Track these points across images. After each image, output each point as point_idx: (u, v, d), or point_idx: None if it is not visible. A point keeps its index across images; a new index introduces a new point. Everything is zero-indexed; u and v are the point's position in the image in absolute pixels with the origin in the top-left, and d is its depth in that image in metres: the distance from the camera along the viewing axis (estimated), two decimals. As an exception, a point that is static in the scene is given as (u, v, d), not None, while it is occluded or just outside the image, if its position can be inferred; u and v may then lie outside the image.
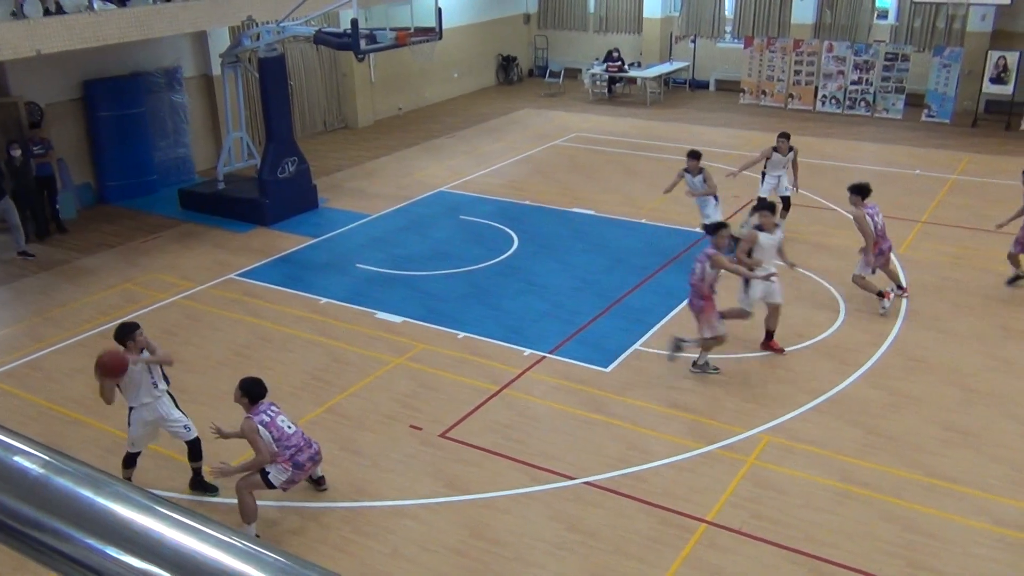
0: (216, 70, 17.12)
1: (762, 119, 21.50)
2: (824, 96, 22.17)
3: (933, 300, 11.42)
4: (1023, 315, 10.95)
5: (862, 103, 21.78)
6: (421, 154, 19.04)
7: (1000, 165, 17.32)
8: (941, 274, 12.22)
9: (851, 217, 11.17)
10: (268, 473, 7.15)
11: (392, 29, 14.85)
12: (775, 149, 13.72)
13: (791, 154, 13.75)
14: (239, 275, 12.74)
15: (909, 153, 18.41)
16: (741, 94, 23.29)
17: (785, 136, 13.89)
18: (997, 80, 20.10)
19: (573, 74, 26.07)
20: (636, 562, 6.97)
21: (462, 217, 14.93)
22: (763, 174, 13.99)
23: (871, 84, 21.59)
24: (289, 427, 7.27)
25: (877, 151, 18.89)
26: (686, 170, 12.98)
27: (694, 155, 12.86)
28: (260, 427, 7.12)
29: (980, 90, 20.44)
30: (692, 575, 6.82)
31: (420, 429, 8.79)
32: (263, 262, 13.25)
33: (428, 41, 15.16)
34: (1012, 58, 19.82)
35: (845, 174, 17.03)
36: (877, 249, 10.78)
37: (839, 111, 21.97)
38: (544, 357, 10.17)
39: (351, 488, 7.97)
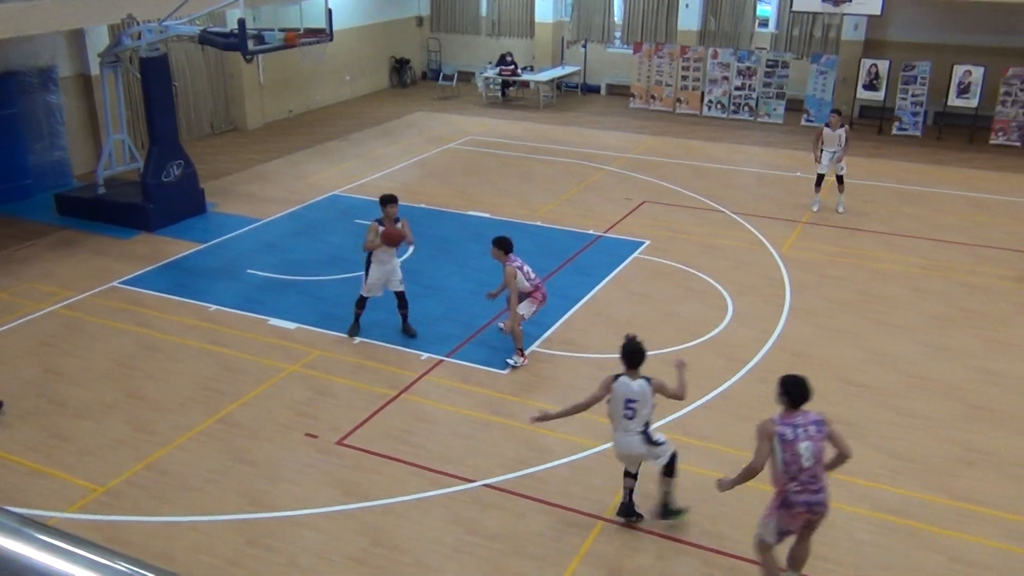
0: (95, 70, 16.44)
1: (652, 123, 22.02)
2: (710, 101, 22.86)
3: (814, 297, 11.91)
4: (898, 311, 11.53)
5: (745, 108, 22.55)
6: (313, 157, 18.73)
7: (874, 167, 18.21)
8: (821, 272, 12.75)
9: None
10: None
11: (281, 30, 14.54)
12: (827, 125, 14.84)
13: (841, 130, 14.69)
14: (122, 283, 12.25)
15: (790, 156, 19.16)
16: (631, 98, 23.79)
17: (836, 112, 15.07)
18: (870, 87, 21.13)
19: (467, 77, 26.13)
20: (536, 562, 7.02)
21: (357, 221, 14.75)
22: (820, 152, 15.00)
23: (754, 90, 22.38)
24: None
25: (760, 154, 19.59)
26: (827, 124, 14.69)
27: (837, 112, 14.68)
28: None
29: (854, 96, 21.45)
30: (591, 572, 6.92)
31: (316, 437, 8.64)
32: (148, 269, 12.78)
33: (318, 43, 14.92)
34: (883, 66, 20.87)
35: (731, 177, 17.65)
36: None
37: (724, 116, 22.68)
38: (442, 360, 10.14)
39: (245, 499, 7.77)
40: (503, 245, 9.96)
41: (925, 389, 9.63)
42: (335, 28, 15.38)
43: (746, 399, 9.39)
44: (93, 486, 7.92)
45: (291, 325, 10.99)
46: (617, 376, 7.12)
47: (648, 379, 7.10)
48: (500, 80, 24.41)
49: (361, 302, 10.62)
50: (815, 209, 15.39)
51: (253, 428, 8.84)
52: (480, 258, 13.16)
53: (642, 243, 13.75)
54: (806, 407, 6.32)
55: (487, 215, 15.04)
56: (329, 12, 14.94)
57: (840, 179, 15.13)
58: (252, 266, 12.87)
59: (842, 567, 7.00)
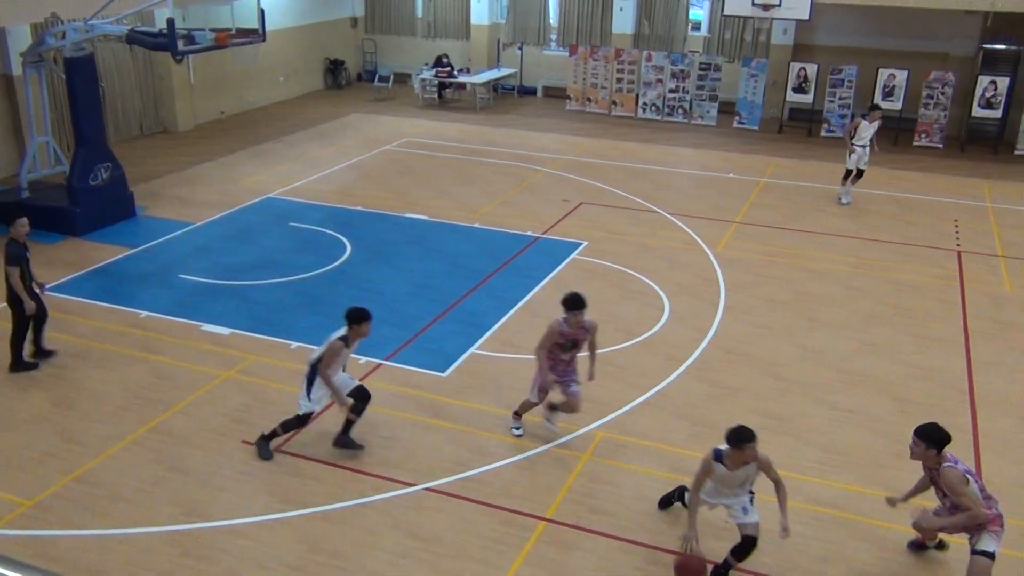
0: (17, 70, 15.91)
1: (588, 125, 22.18)
2: (644, 103, 23.12)
3: (748, 296, 12.12)
4: (829, 308, 11.80)
5: (679, 110, 22.87)
6: (247, 159, 18.42)
7: (804, 169, 18.63)
8: (755, 271, 12.99)
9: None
10: None
11: (212, 30, 14.28)
12: (864, 116, 15.46)
13: (878, 123, 15.43)
14: (49, 290, 11.87)
15: (723, 158, 19.49)
16: (567, 101, 23.93)
17: (876, 107, 15.60)
18: (799, 90, 21.61)
19: (403, 79, 25.99)
20: (478, 564, 7.01)
21: (292, 224, 14.56)
22: (852, 145, 15.65)
23: (687, 92, 22.71)
24: None
25: (694, 156, 19.89)
26: (862, 116, 15.37)
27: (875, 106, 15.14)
28: None
29: (784, 99, 21.92)
30: (533, 573, 6.93)
31: (252, 444, 8.48)
32: (75, 275, 12.42)
33: (251, 43, 14.69)
34: (811, 69, 21.37)
35: (666, 177, 17.87)
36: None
37: (659, 118, 22.97)
38: (381, 364, 10.06)
39: (179, 509, 7.59)
40: (570, 303, 8.08)
41: (856, 384, 9.87)
42: (268, 28, 15.17)
43: (684, 397, 9.51)
44: (20, 500, 7.66)
45: (225, 331, 10.79)
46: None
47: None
48: (436, 82, 24.34)
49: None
50: (844, 201, 16.12)
51: (187, 436, 8.64)
52: (418, 260, 13.12)
53: (580, 244, 13.83)
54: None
55: (425, 217, 14.97)
56: (261, 12, 14.72)
57: (861, 172, 15.84)
58: (185, 271, 12.60)
59: (776, 559, 7.13)
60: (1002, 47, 20.82)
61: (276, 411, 9.01)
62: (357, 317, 8.00)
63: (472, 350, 10.43)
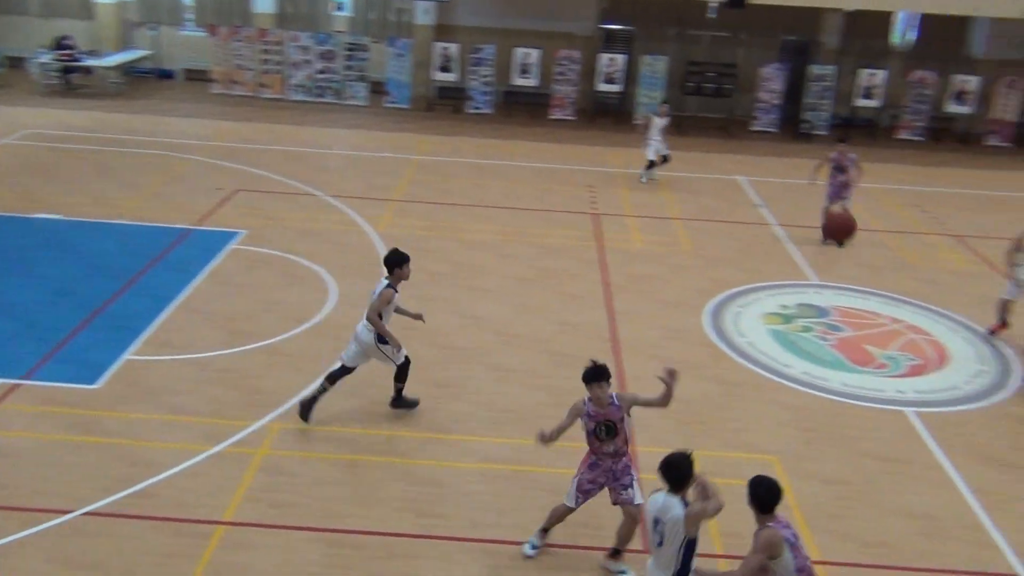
0: None
1: (236, 109, 21.34)
2: (294, 85, 22.68)
3: (412, 271, 12.35)
4: (485, 276, 12.44)
5: (330, 91, 22.72)
6: None
7: (454, 145, 19.40)
8: (416, 246, 13.24)
9: None
10: None
11: None
12: (655, 113, 17.05)
13: (667, 119, 16.99)
14: None
15: (377, 137, 19.72)
16: (211, 84, 22.81)
17: (666, 102, 17.72)
18: (444, 69, 22.40)
19: (18, 63, 23.17)
20: (153, 582, 6.58)
21: None
22: (648, 140, 17.08)
23: (336, 73, 22.62)
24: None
25: (349, 136, 19.91)
26: (654, 113, 17.04)
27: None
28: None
29: (431, 78, 22.61)
30: (215, 580, 6.65)
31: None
32: None
33: None
34: (454, 49, 22.23)
35: (323, 160, 17.73)
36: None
37: (310, 99, 22.66)
38: (18, 384, 9.00)
39: None
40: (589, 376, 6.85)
41: (515, 344, 10.54)
42: None
43: (357, 376, 9.50)
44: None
45: None
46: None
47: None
48: (59, 66, 22.01)
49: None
50: (643, 181, 17.40)
51: None
52: (53, 265, 11.88)
53: (238, 233, 13.32)
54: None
55: (59, 216, 13.56)
56: None
57: (666, 157, 17.21)
58: None
59: (456, 520, 7.43)
60: (618, 27, 23.08)
61: None
62: (396, 260, 8.34)
63: (125, 356, 9.67)
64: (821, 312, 11.92)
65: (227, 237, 13.16)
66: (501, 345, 10.51)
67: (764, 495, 5.50)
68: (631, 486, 6.80)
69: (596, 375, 6.66)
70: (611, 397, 6.71)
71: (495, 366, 10.01)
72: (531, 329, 10.95)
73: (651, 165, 17.34)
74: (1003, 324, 11.44)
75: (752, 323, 11.45)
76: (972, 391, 10.02)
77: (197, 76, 23.73)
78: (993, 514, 7.85)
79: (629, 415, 6.77)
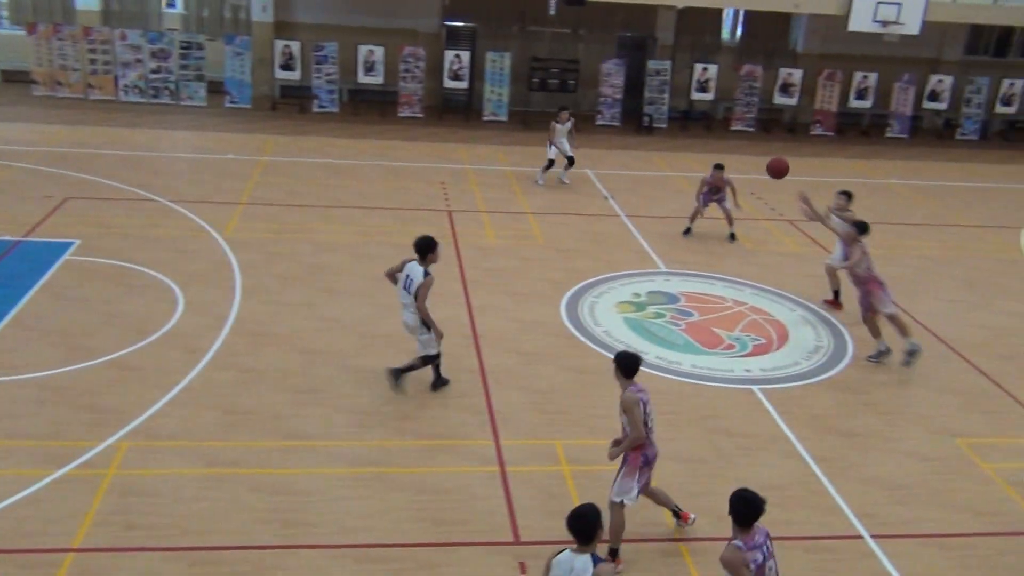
0: None
1: (63, 112, 20.10)
2: (126, 86, 21.57)
3: (263, 275, 12.07)
4: (341, 278, 12.23)
5: (166, 91, 21.74)
6: None
7: (301, 144, 18.97)
8: (266, 250, 12.96)
9: None
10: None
11: None
12: (556, 120, 16.95)
13: (568, 123, 17.03)
14: None
15: (219, 139, 19.02)
16: (33, 85, 21.37)
17: (563, 108, 17.42)
18: (286, 67, 21.85)
19: None
20: (-3, 621, 6.12)
21: None
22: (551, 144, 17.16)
23: (171, 72, 21.66)
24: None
25: (189, 138, 19.13)
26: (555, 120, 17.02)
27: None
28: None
29: (273, 76, 22.00)
30: (67, 612, 6.25)
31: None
32: None
33: None
34: (295, 46, 21.70)
35: (161, 163, 16.98)
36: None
37: (144, 100, 21.60)
38: None
39: None
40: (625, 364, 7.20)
41: (376, 345, 10.40)
42: None
43: (212, 388, 9.21)
44: None
45: None
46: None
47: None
48: None
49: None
50: (540, 182, 17.26)
51: None
52: None
53: (71, 243, 12.56)
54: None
55: None
56: None
57: (571, 160, 17.24)
58: None
59: (324, 527, 7.28)
60: (460, 24, 23.17)
61: None
62: (428, 245, 8.94)
63: (-48, 381, 8.95)
64: (671, 299, 12.39)
65: (59, 248, 12.39)
66: (362, 347, 10.36)
67: (742, 509, 5.48)
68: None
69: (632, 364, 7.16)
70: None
71: (357, 368, 9.86)
72: (391, 328, 10.82)
73: (549, 165, 17.42)
74: (836, 295, 12.33)
75: (607, 312, 11.76)
76: (811, 366, 10.66)
77: (16, 78, 22.19)
78: (835, 480, 8.38)
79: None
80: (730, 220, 14.82)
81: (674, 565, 7.13)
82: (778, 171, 11.40)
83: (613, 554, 7.01)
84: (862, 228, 10.88)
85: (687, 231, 14.88)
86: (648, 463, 7.08)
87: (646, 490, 7.21)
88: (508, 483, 7.98)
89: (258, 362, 9.81)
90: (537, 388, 9.72)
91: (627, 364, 7.05)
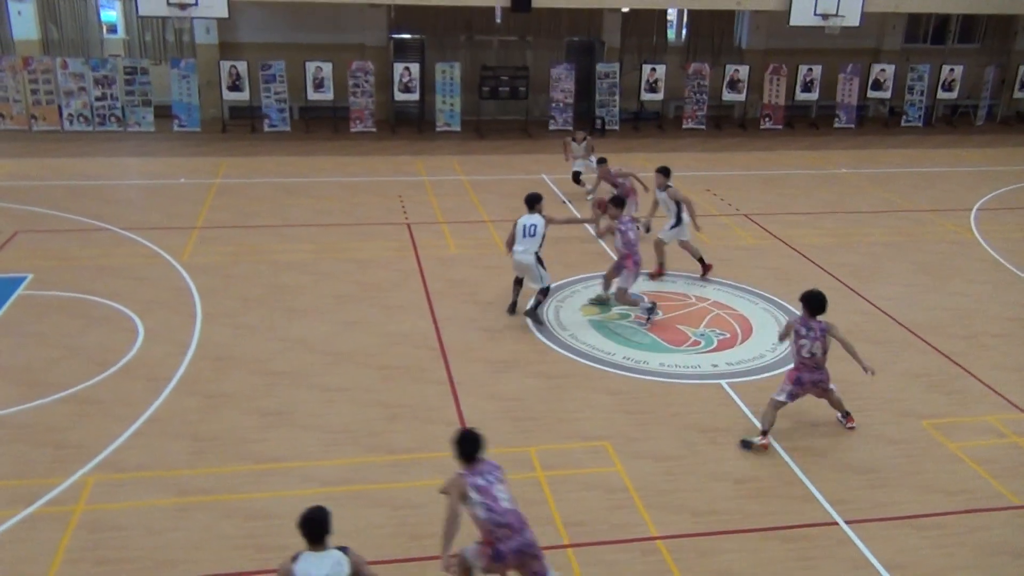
0: None
1: (5, 144, 19.75)
2: (70, 115, 21.21)
3: (223, 299, 11.91)
4: (301, 297, 12.12)
5: (112, 119, 21.42)
6: None
7: (253, 165, 18.80)
8: (225, 273, 12.80)
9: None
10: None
11: None
12: (572, 139, 17.01)
13: (584, 141, 16.99)
14: None
15: (170, 163, 18.78)
16: (-26, 119, 20.96)
17: (579, 129, 17.44)
18: (234, 88, 21.63)
19: None
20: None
21: None
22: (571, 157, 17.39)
23: (117, 99, 21.35)
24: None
25: (139, 165, 18.86)
26: (571, 139, 16.25)
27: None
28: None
29: (222, 98, 21.77)
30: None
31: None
32: None
33: None
34: (242, 67, 21.50)
35: (112, 192, 16.72)
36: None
37: (90, 129, 21.27)
38: None
39: None
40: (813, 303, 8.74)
41: (341, 363, 10.32)
42: None
43: (178, 416, 9.06)
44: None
45: None
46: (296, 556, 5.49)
47: (346, 549, 5.55)
48: None
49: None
50: (588, 198, 16.37)
51: None
52: None
53: (24, 278, 12.31)
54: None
55: None
56: None
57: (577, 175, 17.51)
58: None
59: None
60: (408, 36, 23.13)
61: None
62: (536, 198, 11.37)
63: (-94, 425, 8.70)
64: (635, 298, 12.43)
65: (11, 284, 12.13)
66: (327, 365, 10.26)
67: (464, 445, 6.21)
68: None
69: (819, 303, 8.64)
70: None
71: (323, 387, 9.76)
72: (356, 345, 10.77)
73: (576, 177, 17.51)
74: (701, 261, 13.18)
75: (572, 316, 11.79)
76: (776, 358, 10.77)
77: (-44, 112, 21.71)
78: (807, 469, 8.47)
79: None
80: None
81: (654, 564, 7.14)
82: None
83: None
84: (617, 202, 11.73)
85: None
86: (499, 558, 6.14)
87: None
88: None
89: (223, 387, 9.68)
90: (507, 396, 9.71)
91: (463, 445, 6.26)
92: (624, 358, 10.63)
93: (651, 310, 11.56)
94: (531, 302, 11.45)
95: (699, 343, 11.14)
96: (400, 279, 12.87)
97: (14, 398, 9.27)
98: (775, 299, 12.51)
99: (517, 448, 8.67)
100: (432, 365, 10.33)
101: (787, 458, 8.64)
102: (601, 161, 15.47)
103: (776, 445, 8.82)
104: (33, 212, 15.18)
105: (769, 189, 18.33)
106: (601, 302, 12.15)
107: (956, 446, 8.96)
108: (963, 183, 19.25)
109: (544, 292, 11.39)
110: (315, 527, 5.41)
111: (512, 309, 11.62)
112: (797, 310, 11.88)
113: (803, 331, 8.59)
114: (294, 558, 5.39)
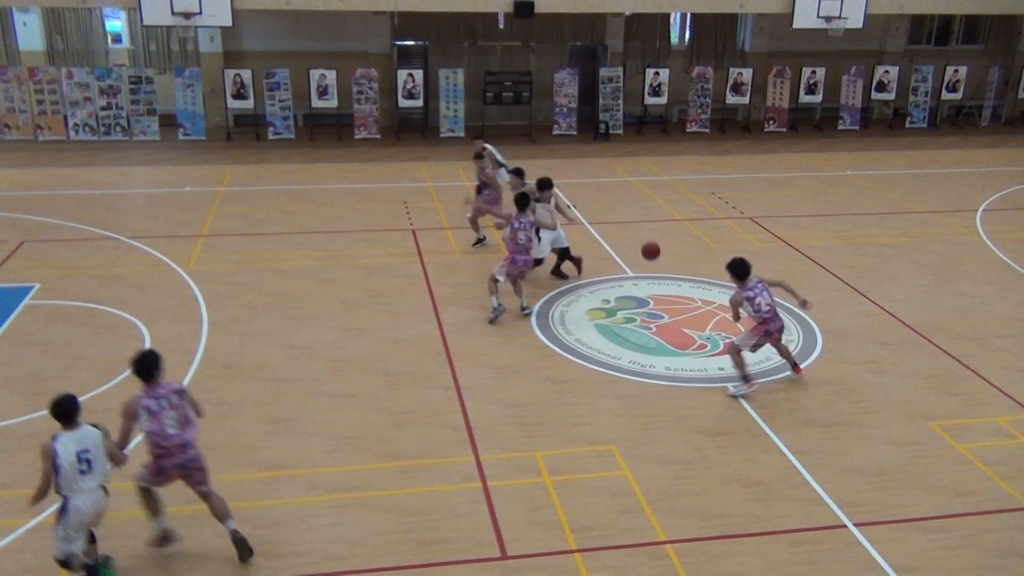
0: None
1: (12, 154, 19.81)
2: (76, 124, 21.30)
3: (229, 307, 11.93)
4: (307, 304, 12.13)
5: (117, 128, 21.50)
6: None
7: (258, 173, 18.84)
8: (231, 281, 12.82)
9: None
10: None
11: None
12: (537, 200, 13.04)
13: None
14: None
15: (175, 172, 18.83)
16: (-20, 130, 21.06)
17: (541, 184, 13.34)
18: (238, 96, 21.69)
19: None
20: None
21: None
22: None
23: (122, 108, 21.43)
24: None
25: (145, 173, 18.92)
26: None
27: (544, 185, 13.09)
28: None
29: (226, 106, 21.83)
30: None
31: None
32: None
33: None
34: (246, 75, 21.57)
35: (118, 200, 16.77)
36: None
37: (96, 138, 21.35)
38: None
39: None
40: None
41: (348, 370, 10.33)
42: None
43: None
44: None
45: None
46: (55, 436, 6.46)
47: (96, 425, 6.66)
48: None
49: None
50: None
51: None
52: None
53: (31, 287, 12.35)
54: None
55: None
56: None
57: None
58: None
59: (308, 557, 7.19)
60: (411, 43, 23.17)
61: None
62: (547, 183, 12.74)
63: (-85, 435, 8.72)
64: (640, 302, 12.44)
65: (19, 293, 12.17)
66: (333, 372, 10.27)
67: (140, 365, 6.93)
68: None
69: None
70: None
71: (330, 393, 9.77)
72: (363, 352, 10.78)
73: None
74: (576, 262, 13.29)
75: (577, 320, 11.78)
76: (781, 361, 10.73)
77: (-38, 122, 21.81)
78: (815, 472, 8.44)
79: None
80: (476, 227, 14.41)
81: (663, 568, 7.12)
82: (650, 253, 11.86)
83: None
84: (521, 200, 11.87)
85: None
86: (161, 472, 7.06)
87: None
88: (491, 498, 7.94)
89: (229, 394, 9.69)
90: (513, 401, 9.70)
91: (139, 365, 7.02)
92: (630, 362, 10.61)
93: (496, 310, 11.56)
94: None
95: (705, 346, 11.12)
96: (406, 285, 12.88)
97: (21, 407, 9.29)
98: (781, 302, 12.47)
99: (524, 453, 8.66)
100: (438, 370, 10.34)
101: (794, 461, 8.61)
102: (479, 156, 14.55)
103: (783, 448, 8.80)
104: (39, 222, 15.23)
105: (774, 192, 18.31)
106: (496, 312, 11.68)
107: (965, 448, 8.92)
108: (968, 184, 19.20)
109: (566, 253, 13.07)
110: (64, 410, 6.43)
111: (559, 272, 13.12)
112: (803, 316, 11.90)
113: (750, 294, 9.67)
114: (53, 437, 6.38)
